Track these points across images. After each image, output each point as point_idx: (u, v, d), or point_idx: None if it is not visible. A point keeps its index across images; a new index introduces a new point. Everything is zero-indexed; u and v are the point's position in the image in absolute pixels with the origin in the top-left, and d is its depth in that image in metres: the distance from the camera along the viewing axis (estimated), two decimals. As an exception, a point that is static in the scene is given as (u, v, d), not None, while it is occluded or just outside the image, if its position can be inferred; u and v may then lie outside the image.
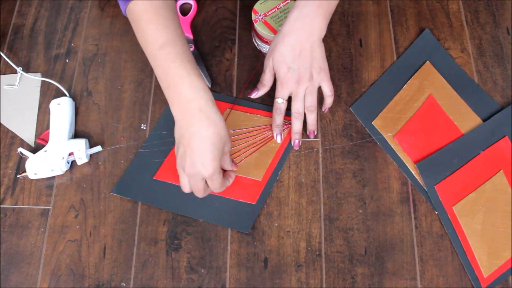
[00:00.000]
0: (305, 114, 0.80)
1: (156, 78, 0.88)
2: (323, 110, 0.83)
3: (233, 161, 0.77)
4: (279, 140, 0.82)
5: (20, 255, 0.76)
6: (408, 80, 0.87)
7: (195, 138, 0.67)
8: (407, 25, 0.93)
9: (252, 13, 0.87)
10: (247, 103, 0.86)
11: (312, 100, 0.79)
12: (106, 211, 0.78)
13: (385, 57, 0.90)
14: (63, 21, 0.94)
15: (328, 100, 0.81)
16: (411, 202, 0.79)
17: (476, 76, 0.89)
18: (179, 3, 0.93)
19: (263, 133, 0.83)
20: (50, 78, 0.88)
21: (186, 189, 0.72)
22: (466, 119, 0.84)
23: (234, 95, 0.87)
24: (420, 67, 0.88)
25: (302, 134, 0.82)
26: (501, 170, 0.80)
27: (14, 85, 0.87)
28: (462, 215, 0.78)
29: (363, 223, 0.78)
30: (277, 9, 0.87)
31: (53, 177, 0.81)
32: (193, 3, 0.93)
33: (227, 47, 0.91)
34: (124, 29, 0.92)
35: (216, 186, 0.71)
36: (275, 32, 0.85)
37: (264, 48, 0.89)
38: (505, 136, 0.83)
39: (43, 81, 0.88)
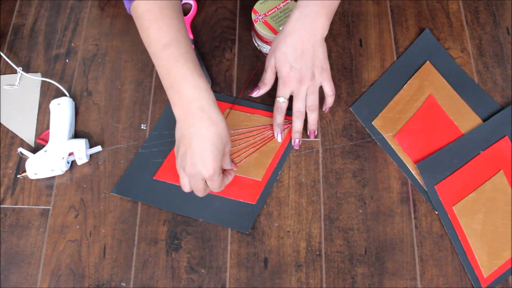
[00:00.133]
0: (306, 113, 0.81)
1: (156, 78, 0.88)
2: (323, 110, 0.83)
3: (233, 161, 0.77)
4: (279, 139, 0.82)
5: (20, 255, 0.76)
6: (408, 80, 0.87)
7: (196, 138, 0.67)
8: (407, 25, 0.93)
9: (252, 13, 0.87)
10: (247, 103, 0.86)
11: (314, 99, 0.79)
12: (106, 211, 0.78)
13: (385, 57, 0.90)
14: (63, 21, 0.94)
15: (329, 100, 0.81)
16: (411, 202, 0.79)
17: (476, 76, 0.89)
18: (179, 3, 0.94)
19: (263, 133, 0.83)
20: (50, 78, 0.88)
21: (186, 188, 0.72)
22: (466, 119, 0.84)
23: (234, 95, 0.87)
24: (420, 67, 0.88)
25: (303, 134, 0.82)
26: (501, 170, 0.80)
27: (14, 85, 0.87)
28: (462, 215, 0.78)
29: (363, 223, 0.78)
30: (277, 9, 0.87)
31: (53, 177, 0.81)
32: (193, 3, 0.93)
33: (227, 47, 0.91)
34: (124, 29, 0.92)
35: (216, 186, 0.71)
36: (275, 32, 0.85)
37: (264, 48, 0.89)
38: (505, 136, 0.83)
39: (43, 81, 0.88)
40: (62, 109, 0.83)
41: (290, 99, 0.80)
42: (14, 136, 0.84)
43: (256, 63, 0.89)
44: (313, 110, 0.80)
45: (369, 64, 0.89)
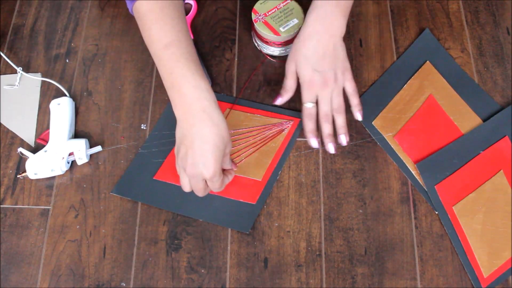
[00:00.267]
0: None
1: (156, 78, 0.88)
2: (356, 118, 0.80)
3: (233, 161, 0.77)
4: (315, 144, 0.79)
5: (20, 255, 0.76)
6: (408, 80, 0.87)
7: (197, 139, 0.67)
8: (407, 25, 0.93)
9: (252, 13, 0.87)
10: (247, 103, 0.86)
11: (339, 101, 0.78)
12: (106, 211, 0.78)
13: (385, 57, 0.90)
14: (63, 21, 0.94)
15: (354, 100, 0.79)
16: (411, 202, 0.79)
17: (476, 76, 0.89)
18: (179, 3, 0.94)
19: (263, 133, 0.83)
20: (50, 78, 0.88)
21: (186, 188, 0.72)
22: (466, 119, 0.84)
23: (234, 95, 0.87)
24: (420, 67, 0.88)
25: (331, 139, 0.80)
26: (501, 170, 0.80)
27: (14, 85, 0.87)
28: (462, 215, 0.78)
29: (363, 223, 0.78)
30: (277, 9, 0.87)
31: (53, 177, 0.81)
32: (193, 3, 0.93)
33: (227, 47, 0.91)
34: (124, 29, 0.92)
35: (216, 186, 0.71)
36: (275, 32, 0.85)
37: (264, 48, 0.89)
38: (505, 136, 0.83)
39: (43, 81, 0.88)
40: (62, 109, 0.83)
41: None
42: (14, 136, 0.84)
43: (256, 63, 0.89)
44: (340, 112, 0.78)
45: (369, 64, 0.89)
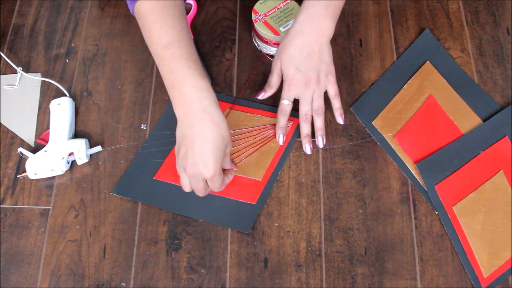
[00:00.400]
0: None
1: (156, 78, 0.88)
2: (338, 121, 0.81)
3: (233, 161, 0.77)
4: (281, 141, 0.81)
5: (20, 255, 0.76)
6: (408, 80, 0.87)
7: (197, 139, 0.67)
8: (407, 25, 0.93)
9: (252, 13, 0.87)
10: (247, 103, 0.86)
11: (320, 103, 0.78)
12: (106, 211, 0.78)
13: (385, 57, 0.90)
14: (63, 21, 0.94)
15: (336, 104, 0.80)
16: (411, 202, 0.79)
17: (476, 76, 0.89)
18: (179, 3, 0.94)
19: (263, 133, 0.83)
20: (50, 78, 0.88)
21: (186, 188, 0.72)
22: (466, 119, 0.84)
23: (234, 95, 0.87)
24: (420, 67, 0.88)
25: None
26: (501, 170, 0.80)
27: (14, 85, 0.87)
28: (462, 215, 0.78)
29: (363, 223, 0.78)
30: (277, 9, 0.87)
31: (53, 177, 0.81)
32: (193, 3, 0.93)
33: (227, 47, 0.91)
34: (124, 29, 0.92)
35: (217, 186, 0.71)
36: (275, 32, 0.85)
37: (264, 48, 0.89)
38: (505, 136, 0.83)
39: (43, 81, 0.88)
40: (62, 109, 0.83)
41: (295, 101, 0.80)
42: (14, 136, 0.84)
43: (256, 63, 0.89)
44: (320, 114, 0.79)
45: (369, 64, 0.89)
